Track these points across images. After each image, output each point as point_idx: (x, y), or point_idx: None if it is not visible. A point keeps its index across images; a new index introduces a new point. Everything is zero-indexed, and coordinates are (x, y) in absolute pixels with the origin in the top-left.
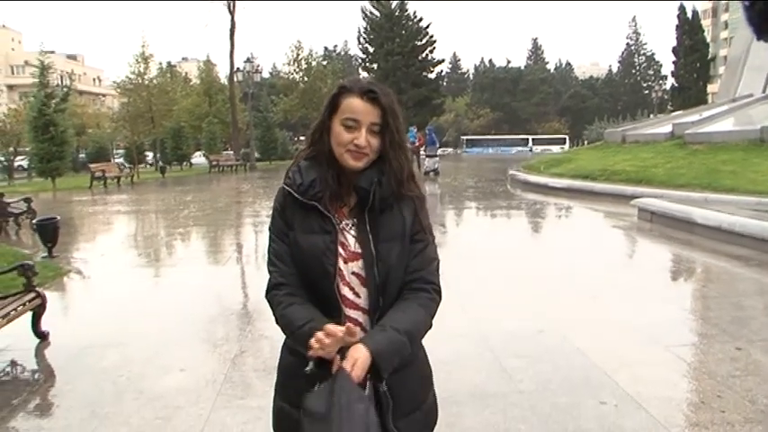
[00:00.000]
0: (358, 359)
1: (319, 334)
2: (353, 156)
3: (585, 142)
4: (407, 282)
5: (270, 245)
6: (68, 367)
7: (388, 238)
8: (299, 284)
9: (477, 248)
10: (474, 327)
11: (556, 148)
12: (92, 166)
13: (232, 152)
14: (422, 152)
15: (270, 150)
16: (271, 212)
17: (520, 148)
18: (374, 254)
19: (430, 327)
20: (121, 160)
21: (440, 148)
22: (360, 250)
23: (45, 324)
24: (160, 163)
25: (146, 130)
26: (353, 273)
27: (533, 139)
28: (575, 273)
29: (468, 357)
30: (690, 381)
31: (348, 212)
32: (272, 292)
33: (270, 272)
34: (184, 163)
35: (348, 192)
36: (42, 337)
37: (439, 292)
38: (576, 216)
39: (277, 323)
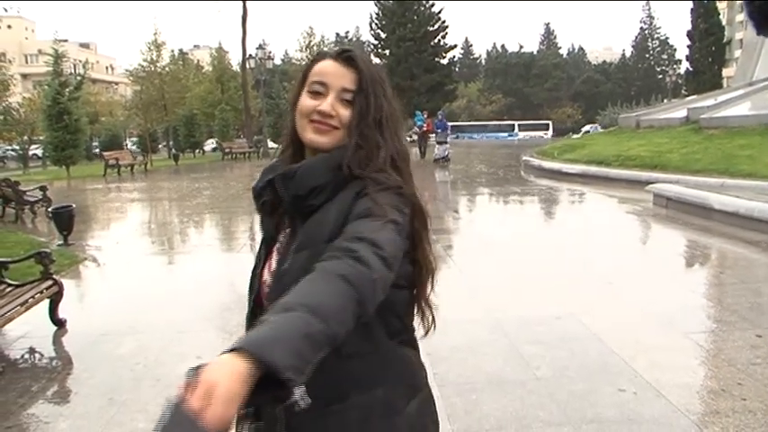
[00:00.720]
0: (216, 384)
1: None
2: (316, 128)
3: (599, 127)
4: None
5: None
6: (86, 354)
7: (301, 248)
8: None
9: (491, 235)
10: (489, 313)
11: (540, 134)
12: (105, 154)
13: (245, 139)
14: (431, 138)
15: (282, 137)
16: None
17: (505, 134)
18: (284, 266)
19: (361, 302)
20: (134, 147)
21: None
22: None
23: (62, 311)
24: (173, 150)
25: (158, 117)
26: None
27: (519, 125)
28: (590, 258)
29: (483, 344)
30: (709, 368)
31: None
32: None
33: None
34: (197, 150)
35: None
36: (60, 324)
37: (382, 259)
38: (590, 202)
39: None
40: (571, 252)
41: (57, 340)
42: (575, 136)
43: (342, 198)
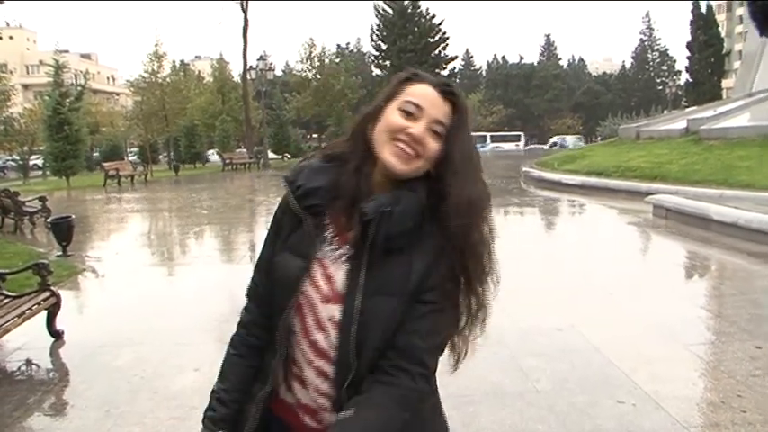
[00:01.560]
0: None
1: None
2: (399, 152)
3: (599, 138)
4: (394, 346)
5: (262, 249)
6: (83, 366)
7: (382, 290)
8: (267, 309)
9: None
10: (489, 324)
11: (511, 146)
12: (106, 164)
13: (245, 150)
14: None
15: (283, 148)
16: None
17: (478, 145)
18: (358, 304)
19: (406, 421)
20: (135, 158)
21: None
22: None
23: (60, 323)
24: (174, 161)
25: (159, 128)
26: (331, 318)
27: (491, 137)
28: (590, 270)
29: (483, 356)
30: (709, 380)
31: (352, 240)
32: (246, 299)
33: (251, 278)
34: (198, 161)
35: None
36: (57, 335)
37: (428, 375)
38: (590, 213)
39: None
40: (571, 263)
41: (54, 352)
42: (545, 147)
43: (426, 249)
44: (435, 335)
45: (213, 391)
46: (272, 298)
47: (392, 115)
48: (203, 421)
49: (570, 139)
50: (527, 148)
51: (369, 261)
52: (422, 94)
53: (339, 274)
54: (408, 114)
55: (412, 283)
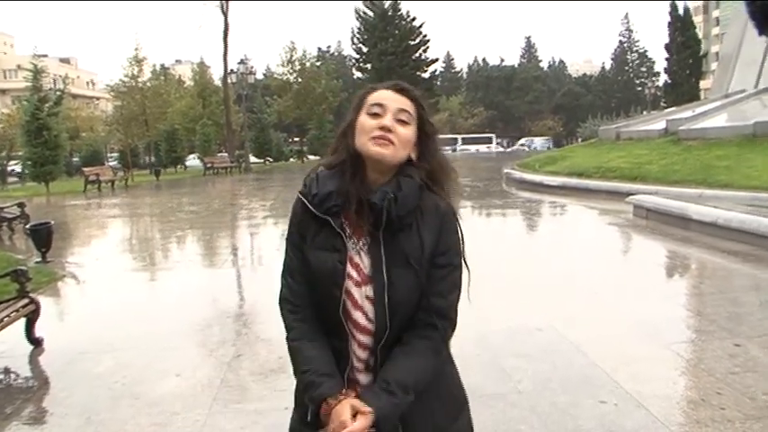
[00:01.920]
0: (365, 427)
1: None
2: (378, 141)
3: (580, 140)
4: (423, 308)
5: (285, 255)
6: (63, 374)
7: (403, 263)
8: (308, 304)
9: (473, 247)
10: (471, 326)
11: (483, 148)
12: (86, 169)
13: (226, 154)
14: None
15: (264, 152)
16: (266, 217)
17: (447, 148)
18: (385, 280)
19: (442, 363)
20: (115, 163)
21: None
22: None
23: (39, 330)
24: (154, 166)
25: (140, 132)
26: (367, 297)
27: (462, 139)
28: (572, 271)
29: (465, 357)
30: (689, 378)
31: (367, 231)
32: (281, 304)
33: (281, 283)
34: (179, 165)
35: (367, 209)
36: (36, 343)
37: (453, 325)
38: (571, 214)
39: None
40: (553, 264)
41: (33, 359)
42: (509, 150)
43: (430, 222)
44: (454, 290)
45: (306, 375)
46: (309, 294)
47: (364, 121)
48: (320, 396)
49: (539, 141)
50: (509, 149)
51: (386, 242)
52: (380, 96)
53: (364, 260)
54: (376, 115)
55: (426, 254)
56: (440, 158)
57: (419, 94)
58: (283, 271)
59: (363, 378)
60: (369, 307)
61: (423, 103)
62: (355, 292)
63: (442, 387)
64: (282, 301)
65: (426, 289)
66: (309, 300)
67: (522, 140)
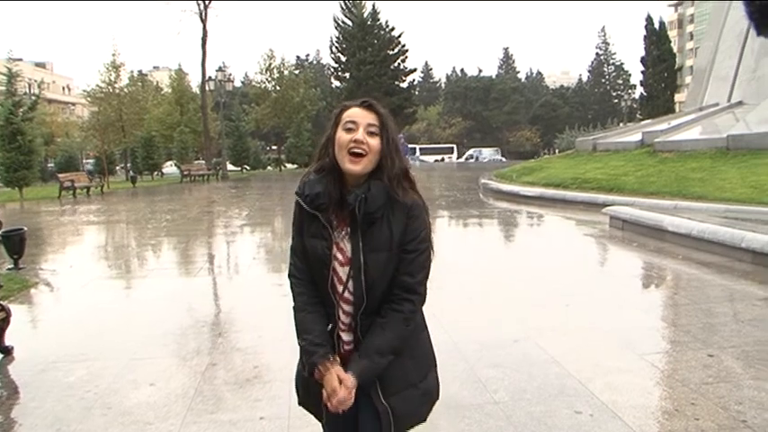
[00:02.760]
0: (350, 390)
1: (329, 393)
2: (352, 158)
3: (557, 151)
4: (396, 286)
5: (292, 239)
6: (33, 383)
7: (376, 249)
8: (308, 278)
9: (449, 258)
10: (447, 337)
11: (444, 157)
12: (61, 175)
13: (204, 162)
14: None
15: (242, 159)
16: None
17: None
18: (362, 262)
19: (412, 330)
20: (90, 168)
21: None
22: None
23: (9, 338)
24: (131, 172)
25: (116, 139)
26: (348, 274)
27: (421, 149)
28: (548, 281)
29: (441, 368)
30: (664, 388)
31: (349, 222)
32: (289, 278)
33: (290, 261)
34: (156, 172)
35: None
36: (6, 352)
37: (423, 299)
38: (548, 224)
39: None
40: (529, 274)
41: (2, 369)
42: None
43: (398, 216)
44: (421, 270)
45: (304, 344)
46: (308, 270)
47: (341, 136)
48: (312, 364)
49: (487, 152)
50: (487, 160)
51: (362, 232)
52: (353, 113)
53: (347, 246)
54: (350, 130)
55: (395, 241)
56: (404, 159)
57: (383, 110)
58: (291, 252)
59: (346, 336)
60: (351, 283)
61: (385, 116)
62: (340, 270)
63: (416, 349)
64: (290, 275)
65: (398, 269)
66: (309, 275)
67: (471, 151)
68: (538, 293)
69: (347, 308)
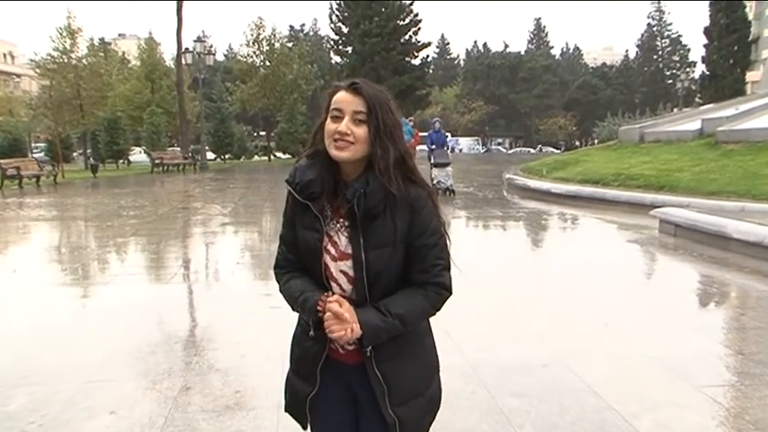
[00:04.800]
0: (353, 324)
1: (330, 306)
2: (337, 145)
3: (596, 141)
4: (414, 283)
5: (282, 228)
6: None
7: (378, 245)
8: (296, 268)
9: (467, 266)
10: (463, 359)
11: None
12: (3, 162)
13: (179, 149)
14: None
15: (224, 147)
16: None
17: None
18: (363, 260)
19: (431, 314)
20: (42, 155)
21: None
22: (350, 251)
23: None
24: (91, 160)
25: (73, 119)
26: (341, 271)
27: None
28: (583, 295)
29: (457, 395)
30: (729, 430)
31: (345, 213)
32: (274, 270)
33: (277, 252)
34: (121, 160)
35: (344, 191)
36: None
37: (447, 289)
38: (584, 228)
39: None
40: (561, 287)
41: None
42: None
43: (402, 209)
44: (438, 262)
45: (300, 297)
46: (299, 261)
47: (328, 125)
48: (313, 303)
49: (465, 142)
50: (511, 151)
51: (363, 227)
52: (339, 99)
53: (341, 239)
54: (337, 118)
55: (399, 235)
56: (402, 147)
57: (373, 92)
58: (279, 242)
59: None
60: (343, 279)
61: (375, 100)
62: (331, 265)
63: (422, 355)
64: (275, 267)
65: (410, 268)
66: (298, 265)
67: (455, 142)
68: (571, 310)
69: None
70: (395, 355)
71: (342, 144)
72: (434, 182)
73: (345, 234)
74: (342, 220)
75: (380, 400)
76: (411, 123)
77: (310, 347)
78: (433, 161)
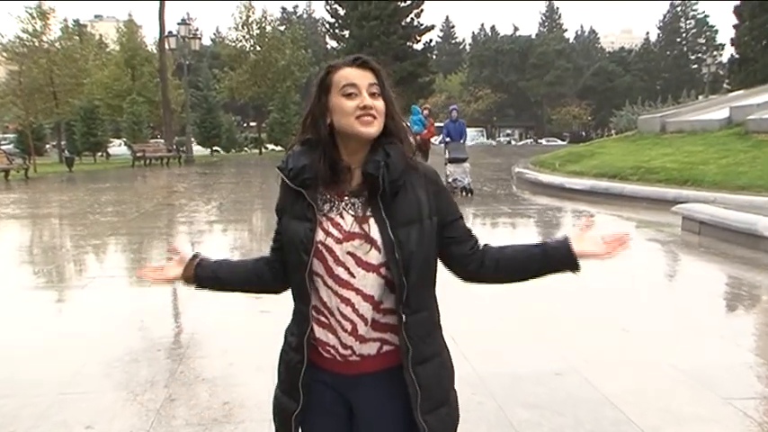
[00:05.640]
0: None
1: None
2: (364, 122)
3: (612, 132)
4: (473, 247)
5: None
6: None
7: (406, 223)
8: (279, 260)
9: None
10: (470, 368)
11: None
12: None
13: (162, 141)
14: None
15: (212, 139)
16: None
17: None
18: (392, 239)
19: None
20: (11, 147)
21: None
22: (357, 230)
23: None
24: (66, 153)
25: (46, 108)
26: (348, 252)
27: None
28: (599, 299)
29: (463, 406)
30: None
31: (350, 193)
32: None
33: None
34: (99, 153)
35: (346, 177)
36: None
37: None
38: (600, 226)
39: None
40: (576, 291)
41: None
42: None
43: (419, 183)
44: (466, 234)
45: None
46: (285, 255)
47: (343, 103)
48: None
49: (469, 133)
50: (521, 143)
51: (384, 207)
52: (349, 75)
53: (347, 219)
54: (351, 95)
55: (424, 210)
56: (401, 120)
57: (378, 64)
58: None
59: (363, 329)
60: (351, 262)
61: (382, 72)
62: (336, 249)
63: (447, 360)
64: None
65: (445, 245)
66: (277, 256)
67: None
68: (586, 314)
69: (348, 294)
70: (429, 356)
71: (368, 119)
72: (449, 180)
73: (351, 212)
74: (347, 198)
75: (414, 405)
76: (426, 112)
77: (292, 358)
78: (448, 156)
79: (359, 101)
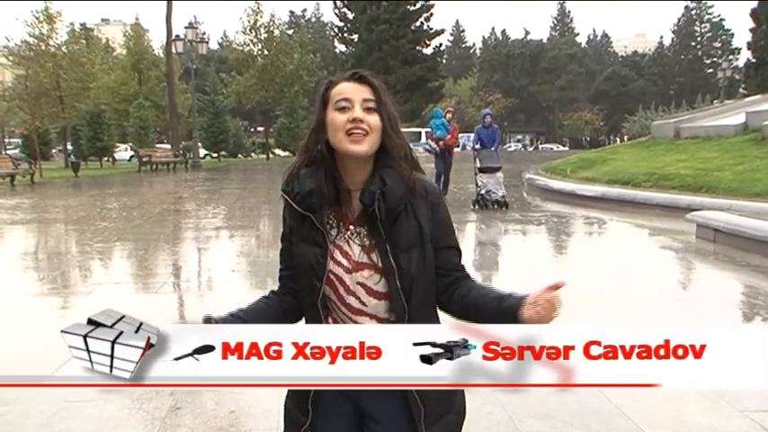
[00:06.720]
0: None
1: None
2: (353, 139)
3: (625, 138)
4: (451, 281)
5: (281, 240)
6: None
7: (407, 248)
8: (293, 285)
9: (485, 275)
10: None
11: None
12: None
13: (169, 146)
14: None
15: (219, 144)
16: None
17: None
18: (394, 266)
19: None
20: (17, 152)
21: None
22: (366, 261)
23: None
24: (72, 157)
25: (52, 113)
26: (358, 283)
27: None
28: (612, 308)
29: (473, 417)
30: None
31: (355, 220)
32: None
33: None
34: (105, 158)
35: (349, 200)
36: None
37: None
38: (612, 233)
39: None
40: (587, 299)
41: None
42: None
43: (419, 207)
44: (458, 255)
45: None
46: (296, 279)
47: (335, 117)
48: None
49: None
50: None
51: (385, 233)
52: (344, 89)
53: (354, 248)
54: (344, 109)
55: (425, 235)
56: (403, 137)
57: (378, 82)
58: (279, 255)
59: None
60: (361, 291)
61: (381, 88)
62: (346, 278)
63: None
64: (279, 279)
65: (444, 268)
66: (291, 285)
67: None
68: (598, 323)
69: (362, 320)
70: None
71: (358, 135)
72: (482, 191)
73: (357, 242)
74: (352, 227)
75: (417, 422)
76: (448, 116)
77: None
78: (480, 165)
79: (350, 114)
